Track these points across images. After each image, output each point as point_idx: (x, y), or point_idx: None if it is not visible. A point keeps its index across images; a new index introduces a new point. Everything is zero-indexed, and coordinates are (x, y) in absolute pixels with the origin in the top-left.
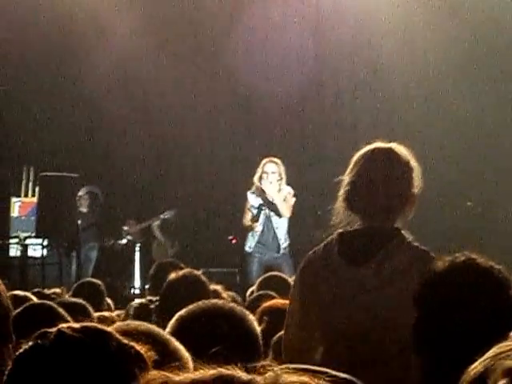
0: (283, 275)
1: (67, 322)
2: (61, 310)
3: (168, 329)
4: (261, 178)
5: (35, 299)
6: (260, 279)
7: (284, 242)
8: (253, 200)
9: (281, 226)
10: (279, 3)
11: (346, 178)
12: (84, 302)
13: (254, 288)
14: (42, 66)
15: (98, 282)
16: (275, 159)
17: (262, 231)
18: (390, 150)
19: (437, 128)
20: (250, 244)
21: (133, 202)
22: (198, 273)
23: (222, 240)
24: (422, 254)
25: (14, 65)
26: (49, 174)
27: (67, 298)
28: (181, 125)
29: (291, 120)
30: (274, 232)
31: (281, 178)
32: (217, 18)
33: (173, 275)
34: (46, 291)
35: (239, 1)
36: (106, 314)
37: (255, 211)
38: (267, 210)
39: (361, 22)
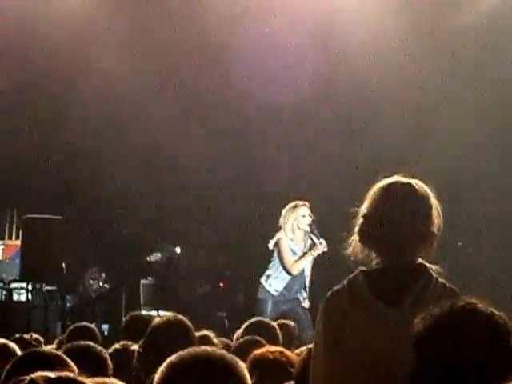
0: (271, 322)
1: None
2: (64, 358)
3: (158, 375)
4: (296, 221)
5: (16, 348)
6: (246, 324)
7: (307, 291)
8: (291, 244)
9: (308, 275)
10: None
11: (362, 212)
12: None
13: (239, 331)
14: (25, 109)
15: (92, 326)
16: (307, 203)
17: (294, 276)
18: (409, 185)
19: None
20: (276, 287)
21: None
22: (183, 318)
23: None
24: (450, 291)
25: None
26: (32, 216)
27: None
28: (175, 163)
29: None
30: (304, 278)
31: (313, 221)
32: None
33: (157, 320)
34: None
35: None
36: None
37: (296, 256)
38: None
39: (367, 32)
